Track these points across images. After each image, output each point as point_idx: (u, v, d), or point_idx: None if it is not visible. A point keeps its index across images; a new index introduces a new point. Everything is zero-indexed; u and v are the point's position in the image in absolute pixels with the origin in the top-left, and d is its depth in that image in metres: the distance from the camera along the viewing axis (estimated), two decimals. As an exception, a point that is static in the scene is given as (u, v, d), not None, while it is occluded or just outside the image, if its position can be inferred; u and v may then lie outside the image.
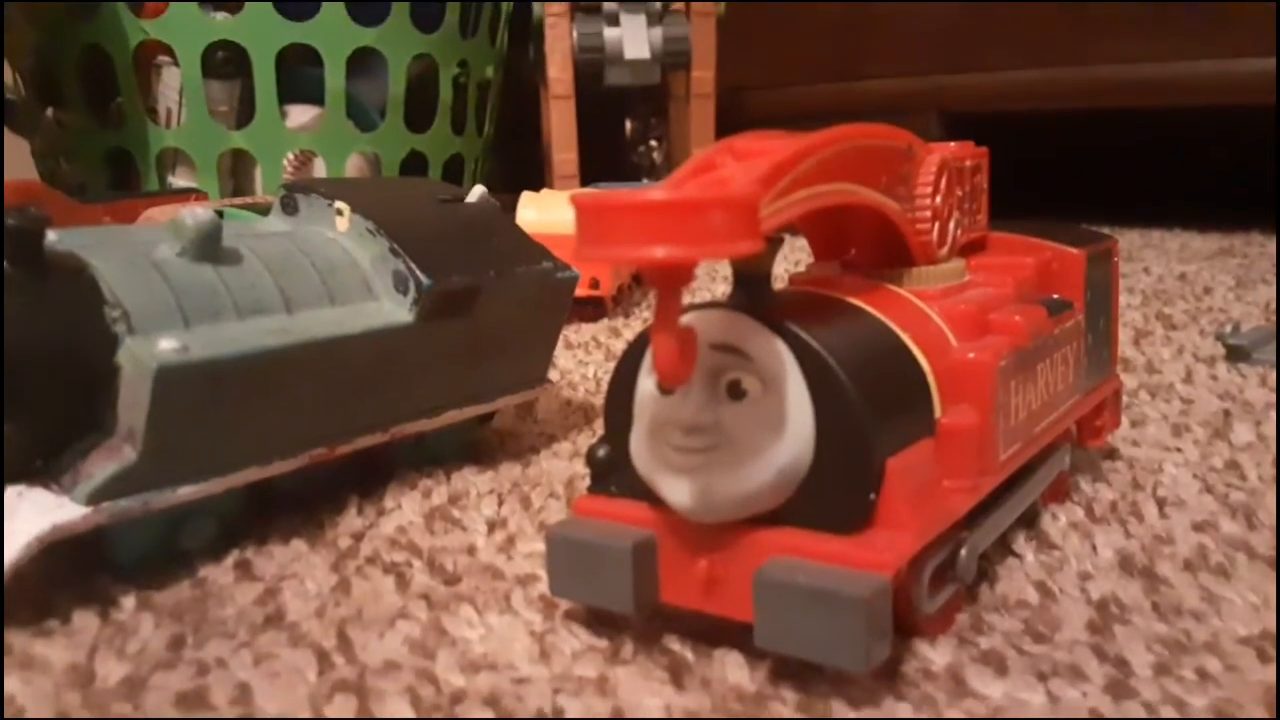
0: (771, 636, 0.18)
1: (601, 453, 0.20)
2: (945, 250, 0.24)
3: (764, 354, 0.17)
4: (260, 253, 0.28)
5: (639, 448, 0.18)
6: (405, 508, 0.29)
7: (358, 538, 0.27)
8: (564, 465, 0.33)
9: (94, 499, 0.23)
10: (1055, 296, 0.26)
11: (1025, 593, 0.23)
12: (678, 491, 0.18)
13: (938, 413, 0.20)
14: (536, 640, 0.21)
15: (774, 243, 0.19)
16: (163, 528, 0.25)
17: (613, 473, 0.19)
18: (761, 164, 0.17)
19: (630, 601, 0.19)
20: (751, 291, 0.19)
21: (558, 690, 0.19)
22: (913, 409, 0.19)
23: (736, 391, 0.17)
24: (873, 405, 0.18)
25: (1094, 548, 0.25)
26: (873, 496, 0.18)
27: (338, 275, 0.30)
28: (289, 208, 0.32)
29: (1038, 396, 0.24)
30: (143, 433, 0.23)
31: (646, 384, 0.18)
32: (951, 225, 0.24)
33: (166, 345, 0.24)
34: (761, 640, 0.18)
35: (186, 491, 0.24)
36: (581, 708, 0.19)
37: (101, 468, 0.23)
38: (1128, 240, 0.88)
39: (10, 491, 0.23)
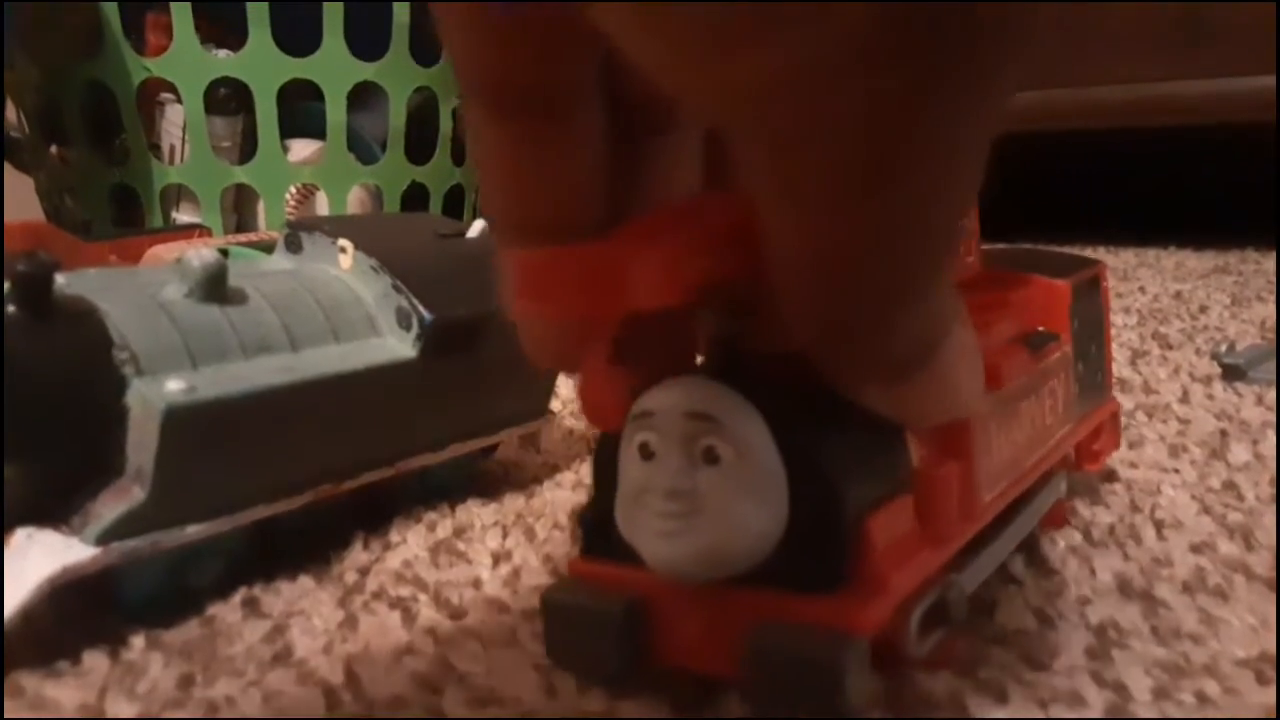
0: (758, 700, 0.18)
1: (591, 516, 0.20)
2: None
3: (735, 419, 0.18)
4: (265, 291, 0.29)
5: (622, 512, 0.19)
6: (410, 541, 0.29)
7: (364, 572, 0.27)
8: (567, 495, 0.33)
9: (103, 540, 0.23)
10: (1040, 330, 0.27)
11: (1024, 619, 0.23)
12: (657, 555, 0.18)
13: (915, 463, 0.20)
14: (542, 675, 0.21)
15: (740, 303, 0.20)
16: (171, 567, 0.25)
17: (603, 536, 0.20)
18: (694, 219, 0.17)
19: (619, 664, 0.20)
20: (723, 355, 0.19)
21: (564, 724, 0.20)
22: (889, 463, 0.20)
23: (711, 457, 0.18)
24: (845, 466, 0.18)
25: (1092, 571, 0.26)
26: (849, 557, 0.18)
27: (342, 312, 0.30)
28: (293, 246, 0.33)
29: (1023, 433, 0.24)
30: (151, 473, 0.24)
31: (628, 449, 0.19)
32: None
33: (174, 386, 0.24)
34: (752, 703, 0.19)
35: (195, 530, 0.25)
36: (587, 741, 0.19)
37: (111, 508, 0.24)
38: (1123, 259, 0.89)
39: (20, 533, 0.23)
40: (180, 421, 0.24)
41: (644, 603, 0.19)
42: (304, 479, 0.28)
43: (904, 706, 0.20)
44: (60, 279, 0.25)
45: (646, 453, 0.18)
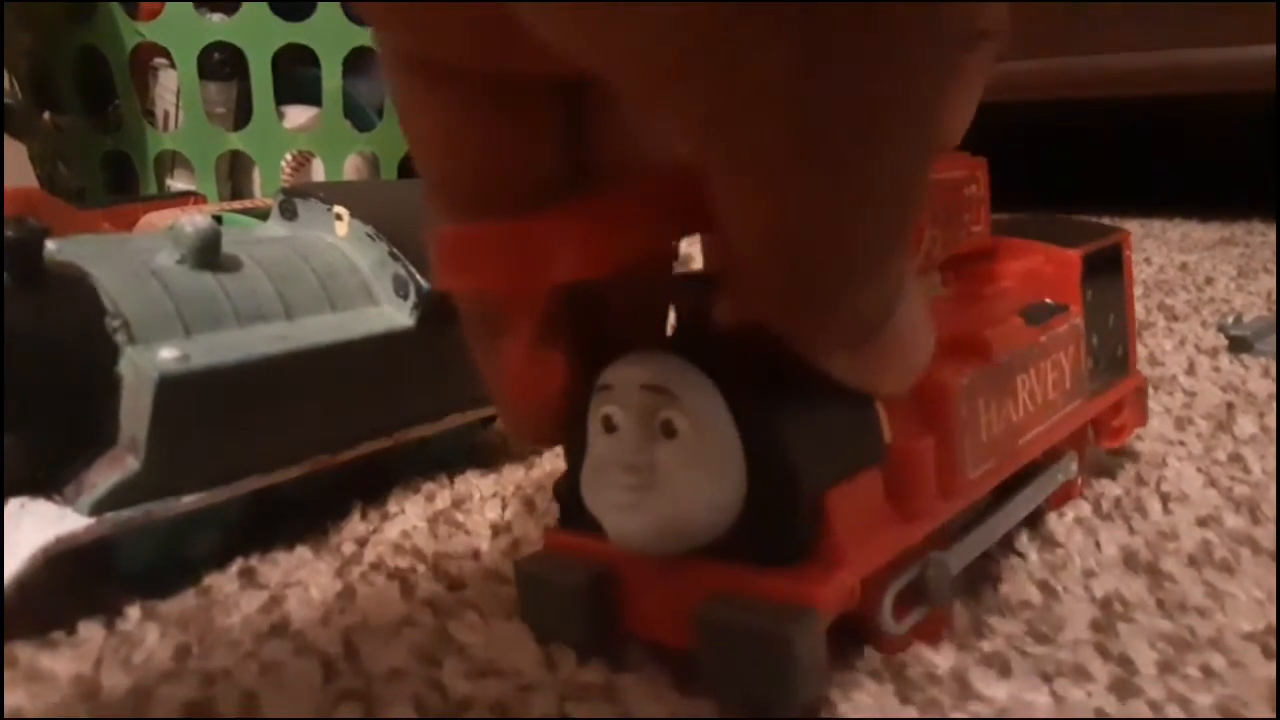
0: (710, 673, 0.18)
1: (564, 488, 0.20)
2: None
3: (690, 392, 0.18)
4: (260, 259, 0.28)
5: (585, 485, 0.19)
6: (409, 512, 0.29)
7: (362, 543, 0.27)
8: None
9: (97, 509, 0.23)
10: (1046, 301, 0.26)
11: (1028, 593, 0.23)
12: (615, 527, 0.18)
13: (887, 437, 0.20)
14: (542, 647, 0.21)
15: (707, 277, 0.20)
16: (167, 537, 0.25)
17: (575, 508, 0.20)
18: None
19: (585, 634, 0.20)
20: (688, 329, 0.19)
21: (564, 697, 0.19)
22: (855, 437, 0.19)
23: (669, 430, 0.18)
24: (803, 440, 0.18)
25: (1098, 545, 0.25)
26: (807, 531, 0.18)
27: (338, 280, 0.30)
28: (288, 213, 0.32)
29: (1019, 409, 0.23)
30: (145, 442, 0.23)
31: (594, 422, 0.19)
32: (925, 243, 0.24)
33: (168, 354, 0.24)
34: (703, 674, 0.18)
35: (190, 500, 0.25)
36: (588, 714, 0.19)
37: (104, 478, 0.23)
38: (1128, 229, 0.88)
39: (13, 504, 0.23)
40: (174, 391, 0.24)
41: (610, 574, 0.19)
42: (301, 449, 0.27)
43: (906, 680, 0.20)
44: (51, 245, 0.25)
45: (609, 425, 0.18)
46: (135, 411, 0.24)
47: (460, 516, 0.29)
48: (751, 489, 0.18)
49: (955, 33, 0.13)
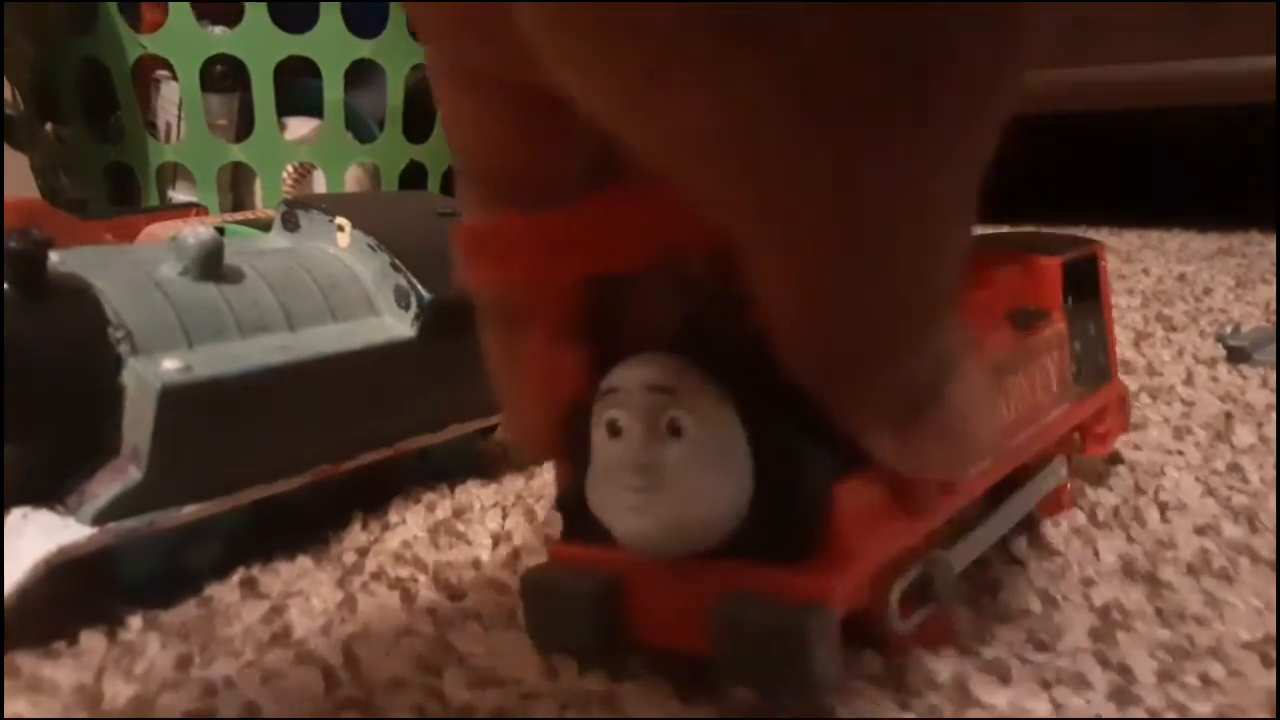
0: (728, 671, 0.18)
1: (567, 500, 0.20)
2: None
3: (695, 392, 0.18)
4: (262, 270, 0.28)
5: (592, 490, 0.19)
6: (410, 522, 0.29)
7: (363, 553, 0.27)
8: (567, 477, 0.33)
9: (100, 519, 0.23)
10: (1030, 307, 0.26)
11: (1028, 600, 0.23)
12: (626, 530, 0.18)
13: None
14: (543, 656, 0.21)
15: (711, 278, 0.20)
16: (169, 547, 0.25)
17: (579, 518, 0.20)
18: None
19: (593, 643, 0.20)
20: (687, 331, 0.19)
21: (565, 706, 0.19)
22: None
23: (675, 429, 0.18)
24: (809, 436, 0.18)
25: (1096, 553, 0.26)
26: (815, 527, 0.18)
27: (340, 291, 0.30)
28: (290, 224, 0.32)
29: (1010, 410, 0.24)
30: (147, 453, 0.24)
31: (598, 428, 0.19)
32: None
33: (170, 365, 0.24)
34: (722, 674, 0.18)
35: (192, 510, 0.25)
36: (588, 723, 0.19)
37: (107, 488, 0.23)
38: (1126, 241, 0.88)
39: (15, 513, 0.23)
40: (176, 401, 0.24)
41: (617, 580, 0.19)
42: (302, 459, 0.27)
43: (907, 686, 0.20)
44: (54, 257, 0.25)
45: (614, 429, 0.18)
46: (138, 422, 0.24)
47: (461, 526, 0.29)
48: (759, 486, 0.18)
49: (1006, 105, 0.12)
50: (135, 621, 0.23)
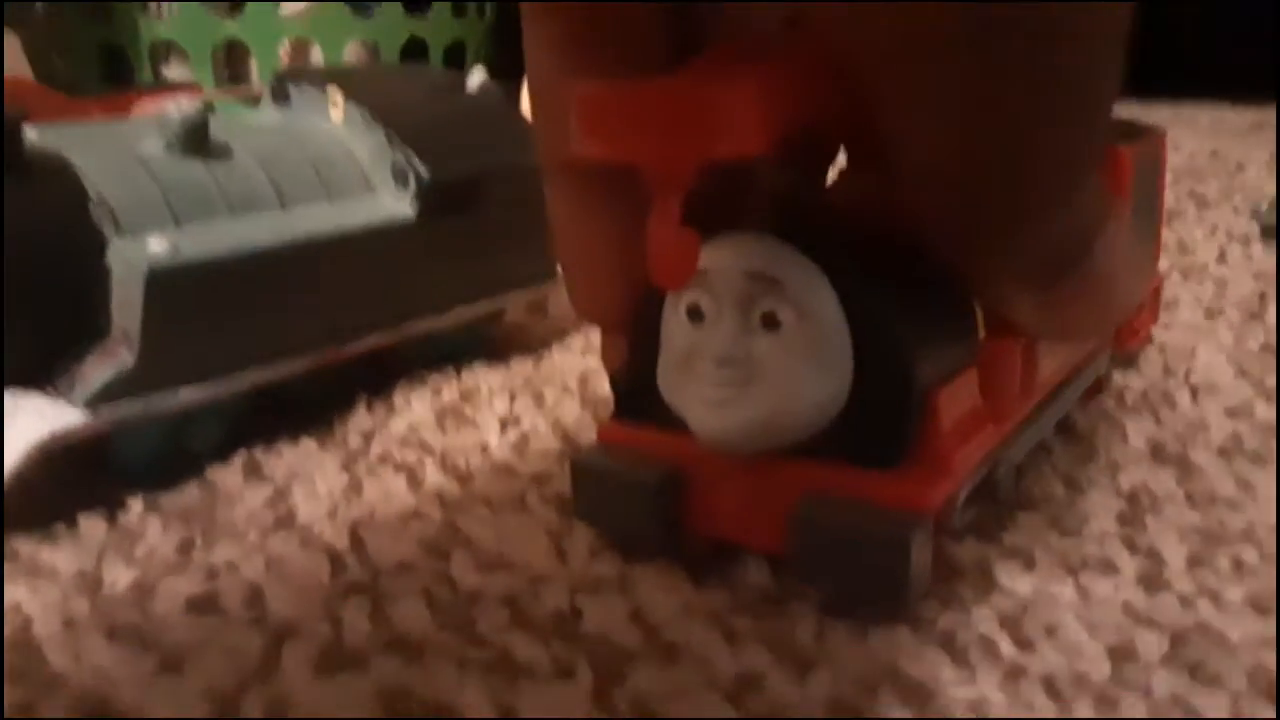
0: (808, 574, 0.17)
1: (626, 378, 0.19)
2: None
3: (799, 282, 0.16)
4: (251, 146, 0.27)
5: (666, 378, 0.18)
6: (415, 406, 0.28)
7: (368, 437, 0.27)
8: (576, 360, 0.32)
9: (93, 403, 0.22)
10: None
11: (1053, 486, 0.22)
12: (707, 424, 0.17)
13: (981, 334, 0.19)
14: (553, 539, 0.21)
15: (814, 159, 0.18)
16: (168, 430, 0.24)
17: (638, 400, 0.18)
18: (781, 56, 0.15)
19: (656, 534, 0.19)
20: (789, 214, 0.18)
21: (575, 589, 0.19)
22: (960, 334, 0.18)
23: (771, 322, 0.16)
24: (917, 335, 0.17)
25: (1124, 437, 0.25)
26: (914, 432, 0.17)
27: (333, 168, 0.28)
28: (280, 97, 0.31)
29: None
30: (138, 336, 0.23)
31: (676, 311, 0.17)
32: None
33: (156, 246, 0.23)
34: (800, 576, 0.18)
35: (188, 394, 0.24)
36: (600, 607, 0.18)
37: (98, 371, 0.23)
38: (1157, 115, 0.85)
39: (5, 396, 0.22)
40: (165, 284, 0.23)
41: (681, 471, 0.18)
42: (301, 342, 0.27)
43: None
44: (31, 133, 0.23)
45: (696, 315, 0.17)
46: (126, 304, 0.23)
47: (468, 410, 0.28)
48: (857, 386, 0.17)
49: None
50: (136, 505, 0.23)
